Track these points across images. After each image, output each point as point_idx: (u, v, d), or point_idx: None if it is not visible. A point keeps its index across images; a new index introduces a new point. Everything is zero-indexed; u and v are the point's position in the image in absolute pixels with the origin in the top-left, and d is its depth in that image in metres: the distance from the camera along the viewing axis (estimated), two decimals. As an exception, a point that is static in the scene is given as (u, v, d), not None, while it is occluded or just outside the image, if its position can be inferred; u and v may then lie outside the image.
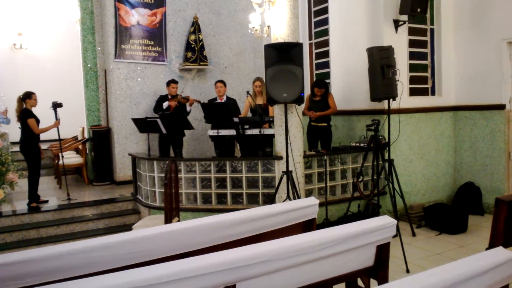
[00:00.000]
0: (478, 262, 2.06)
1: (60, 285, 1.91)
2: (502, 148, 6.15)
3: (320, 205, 3.49)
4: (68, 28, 10.45)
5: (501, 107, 6.11)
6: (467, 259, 2.11)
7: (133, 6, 7.96)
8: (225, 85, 7.18)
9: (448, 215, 5.61)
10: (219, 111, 6.23)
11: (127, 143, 8.06)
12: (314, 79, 7.80)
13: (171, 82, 7.47)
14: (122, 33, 7.89)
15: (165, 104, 7.31)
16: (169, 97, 7.43)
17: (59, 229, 5.99)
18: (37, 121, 6.36)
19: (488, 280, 2.04)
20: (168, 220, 3.87)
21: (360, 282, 2.90)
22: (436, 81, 6.74)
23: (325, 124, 6.56)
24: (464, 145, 6.66)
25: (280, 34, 5.25)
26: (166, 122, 6.52)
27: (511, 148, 6.12)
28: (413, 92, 6.50)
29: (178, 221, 4.03)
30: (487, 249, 2.70)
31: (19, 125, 6.37)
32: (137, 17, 8.01)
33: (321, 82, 6.60)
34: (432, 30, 6.66)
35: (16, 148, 7.57)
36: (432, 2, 6.58)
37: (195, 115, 8.27)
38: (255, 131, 5.97)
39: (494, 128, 6.23)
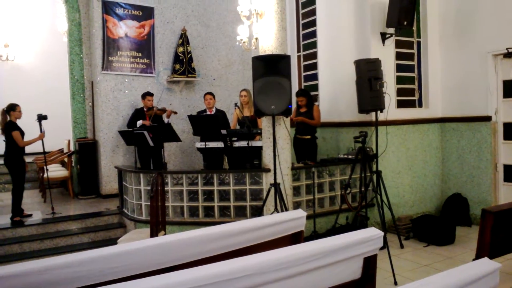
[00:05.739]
0: (464, 273, 2.06)
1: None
2: (489, 159, 6.20)
3: (308, 217, 3.47)
4: (55, 40, 10.35)
5: (487, 118, 6.18)
6: (454, 270, 2.11)
7: (121, 18, 7.95)
8: (214, 97, 7.17)
9: (435, 226, 5.62)
10: (207, 124, 6.19)
11: (114, 156, 7.99)
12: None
13: (147, 95, 7.40)
14: (109, 45, 7.86)
15: (139, 123, 7.22)
16: (145, 109, 7.38)
17: (43, 243, 5.87)
18: (22, 133, 6.28)
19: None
20: (154, 234, 3.81)
21: (348, 295, 2.87)
22: (423, 93, 6.81)
23: (309, 137, 6.56)
24: (451, 156, 6.71)
25: (268, 46, 5.27)
26: (153, 134, 6.46)
27: (498, 160, 6.18)
28: (400, 104, 6.55)
29: (165, 234, 3.97)
30: (473, 260, 2.70)
31: (3, 137, 6.28)
32: (125, 29, 8.00)
33: (301, 91, 6.63)
34: (418, 43, 6.75)
35: (0, 161, 7.47)
36: (419, 15, 6.68)
37: (183, 127, 8.24)
38: (243, 143, 5.95)
39: (480, 139, 6.29)
